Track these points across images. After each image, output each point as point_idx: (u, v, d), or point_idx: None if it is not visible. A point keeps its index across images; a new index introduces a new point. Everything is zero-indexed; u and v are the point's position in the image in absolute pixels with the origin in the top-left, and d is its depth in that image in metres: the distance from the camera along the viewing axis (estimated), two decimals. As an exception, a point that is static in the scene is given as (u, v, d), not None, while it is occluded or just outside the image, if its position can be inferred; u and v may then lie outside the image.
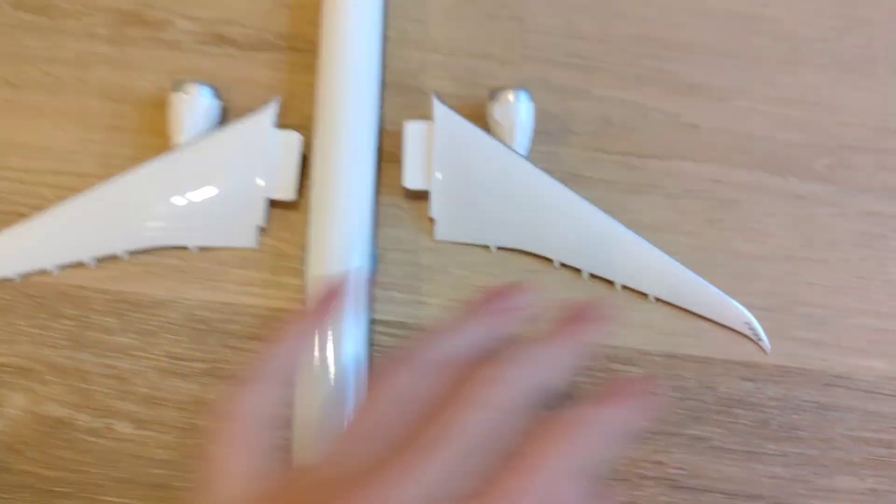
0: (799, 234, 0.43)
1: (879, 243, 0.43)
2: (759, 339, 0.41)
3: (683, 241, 0.43)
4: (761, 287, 0.42)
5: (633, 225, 0.42)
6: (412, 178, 0.42)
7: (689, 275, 0.41)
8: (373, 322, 0.41)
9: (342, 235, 0.39)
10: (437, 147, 0.42)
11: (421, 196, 0.43)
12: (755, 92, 0.46)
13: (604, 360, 0.41)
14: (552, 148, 0.44)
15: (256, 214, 0.41)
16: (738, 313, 0.41)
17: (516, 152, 0.42)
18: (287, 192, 0.42)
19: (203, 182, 0.41)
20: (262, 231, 0.42)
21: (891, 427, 0.41)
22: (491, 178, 0.42)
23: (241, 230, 0.41)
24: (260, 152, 0.41)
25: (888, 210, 0.44)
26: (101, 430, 0.39)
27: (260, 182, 0.41)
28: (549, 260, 0.42)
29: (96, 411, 0.40)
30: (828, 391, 0.41)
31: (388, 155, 0.44)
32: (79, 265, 0.41)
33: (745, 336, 0.41)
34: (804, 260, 0.43)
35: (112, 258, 0.41)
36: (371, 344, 0.40)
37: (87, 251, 0.41)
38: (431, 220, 0.42)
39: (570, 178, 0.43)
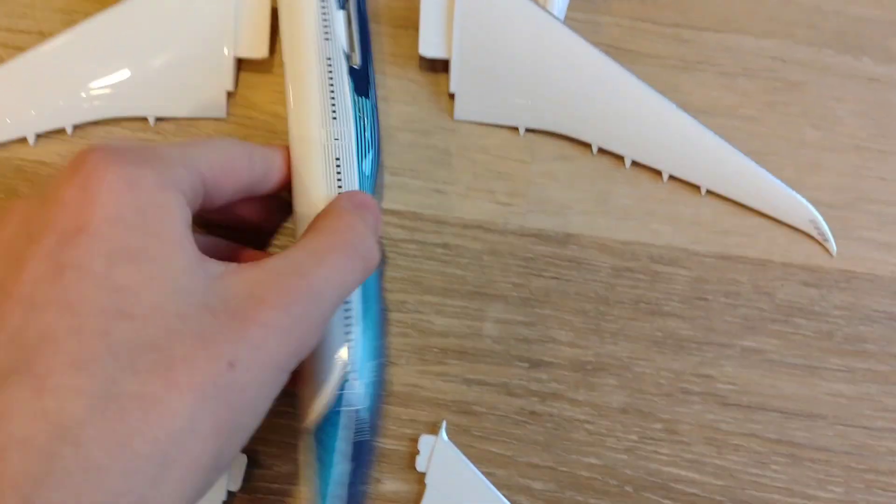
0: (872, 121, 0.38)
1: (963, 135, 0.38)
2: (826, 240, 0.36)
3: (740, 126, 0.37)
4: (827, 181, 0.37)
5: (683, 107, 0.37)
6: (429, 45, 0.36)
7: (748, 164, 0.36)
8: (382, 212, 0.35)
9: (322, 100, 0.33)
10: (459, 7, 0.35)
11: (439, 67, 0.37)
12: (825, -41, 0.40)
13: (646, 260, 0.36)
14: (591, 16, 0.38)
15: (223, 77, 0.35)
16: (803, 209, 0.36)
17: (553, 16, 0.36)
18: (258, 49, 0.35)
19: (157, 39, 0.35)
20: (231, 97, 0.36)
21: (971, 341, 0.36)
22: (522, 46, 0.36)
23: (207, 97, 0.35)
24: (223, 2, 0.35)
25: (975, 97, 0.38)
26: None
27: (226, 38, 0.35)
28: (586, 145, 0.36)
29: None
30: (900, 300, 0.36)
31: (400, 20, 0.37)
32: (41, 137, 0.35)
33: (809, 236, 0.36)
34: (877, 152, 0.37)
35: (79, 128, 0.35)
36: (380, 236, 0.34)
37: (32, 124, 0.35)
38: (451, 95, 0.36)
39: (611, 52, 0.37)
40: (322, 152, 0.31)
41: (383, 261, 0.35)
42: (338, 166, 0.31)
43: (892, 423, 0.35)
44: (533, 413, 0.34)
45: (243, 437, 0.23)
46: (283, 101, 0.35)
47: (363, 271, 0.27)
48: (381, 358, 0.33)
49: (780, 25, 0.39)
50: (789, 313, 0.35)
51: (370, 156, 0.33)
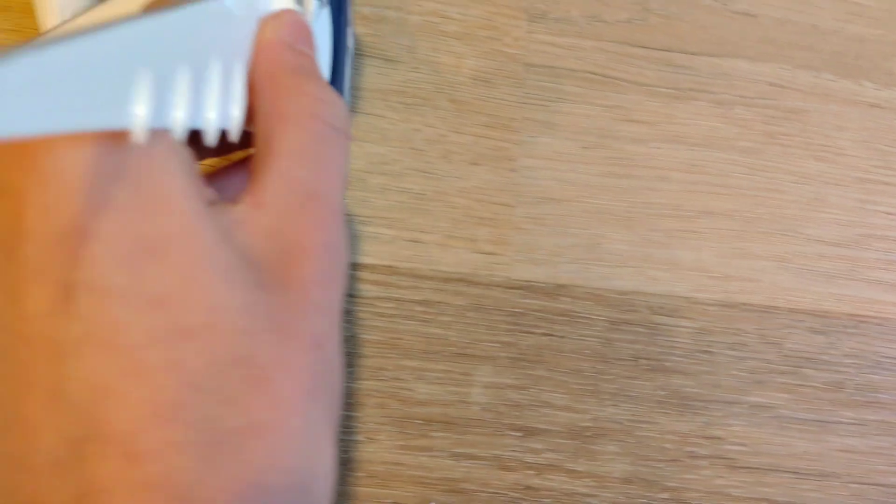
0: (875, 151, 0.35)
1: (969, 163, 0.36)
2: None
3: (739, 160, 0.34)
4: (832, 217, 0.34)
5: (676, 140, 0.34)
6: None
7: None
8: (352, 266, 0.31)
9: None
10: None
11: (412, 102, 0.33)
12: (820, -26, 0.37)
13: (645, 311, 0.33)
14: (574, 41, 0.35)
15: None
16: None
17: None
18: None
19: None
20: None
21: None
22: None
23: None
24: None
25: (979, 122, 0.36)
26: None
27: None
28: (575, 185, 0.33)
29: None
30: (912, 345, 0.34)
31: (362, 47, 0.33)
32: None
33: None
34: (882, 184, 0.35)
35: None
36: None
37: None
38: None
39: (595, 80, 0.34)
40: None
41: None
42: None
43: (908, 478, 0.32)
44: (529, 488, 0.31)
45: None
46: None
47: (348, 145, 0.21)
48: None
49: (777, 48, 0.36)
50: (798, 364, 0.33)
51: None
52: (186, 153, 0.17)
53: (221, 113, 0.19)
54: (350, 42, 0.32)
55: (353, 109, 0.32)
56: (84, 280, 0.16)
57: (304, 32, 0.22)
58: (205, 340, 0.16)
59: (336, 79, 0.30)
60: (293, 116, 0.20)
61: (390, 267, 0.32)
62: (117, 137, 0.16)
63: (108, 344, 0.16)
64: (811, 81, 0.35)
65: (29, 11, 0.32)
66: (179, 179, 0.17)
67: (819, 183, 0.35)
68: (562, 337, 0.32)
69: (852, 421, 0.33)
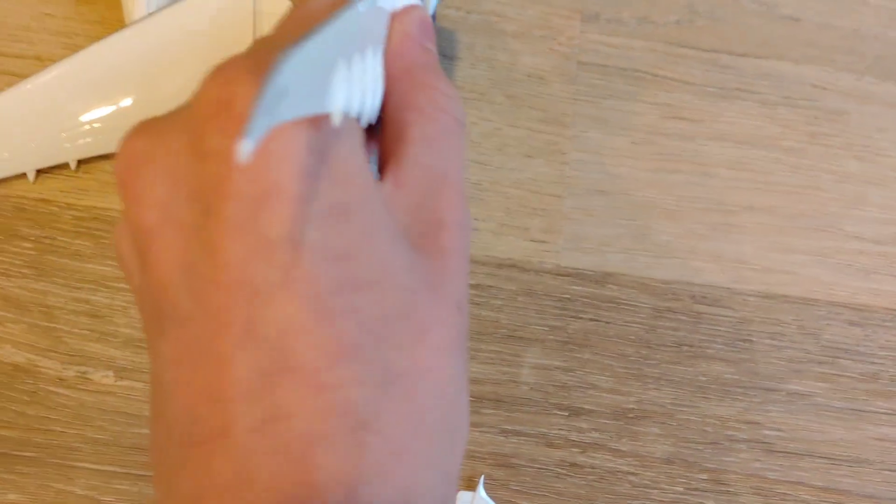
0: (915, 152, 0.37)
1: None
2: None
3: (782, 158, 0.36)
4: (872, 215, 0.36)
5: (722, 137, 0.35)
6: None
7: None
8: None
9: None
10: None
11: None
12: (864, -20, 0.38)
13: (688, 300, 0.34)
14: (625, 41, 0.36)
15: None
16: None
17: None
18: None
19: (170, 63, 0.32)
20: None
21: None
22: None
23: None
24: (243, 21, 0.32)
25: None
26: (73, 380, 0.32)
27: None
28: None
29: (67, 357, 0.32)
30: (946, 339, 0.35)
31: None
32: (42, 173, 0.33)
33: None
34: (920, 184, 0.36)
35: (84, 163, 0.33)
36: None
37: (32, 159, 0.32)
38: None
39: (645, 78, 0.35)
40: None
41: None
42: None
43: (940, 468, 0.34)
44: (574, 465, 0.32)
45: None
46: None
47: (464, 136, 0.24)
48: None
49: (820, 51, 0.37)
50: (835, 354, 0.34)
51: None
52: (362, 134, 0.20)
53: (374, 99, 0.22)
54: None
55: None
56: (284, 235, 0.18)
57: (430, 29, 0.25)
58: (378, 292, 0.19)
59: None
60: (424, 109, 0.22)
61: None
62: (316, 117, 0.19)
63: (301, 290, 0.18)
64: (853, 84, 0.37)
65: (114, 4, 0.34)
66: (360, 157, 0.20)
67: (859, 182, 0.36)
68: (608, 322, 0.34)
69: (887, 411, 0.34)
